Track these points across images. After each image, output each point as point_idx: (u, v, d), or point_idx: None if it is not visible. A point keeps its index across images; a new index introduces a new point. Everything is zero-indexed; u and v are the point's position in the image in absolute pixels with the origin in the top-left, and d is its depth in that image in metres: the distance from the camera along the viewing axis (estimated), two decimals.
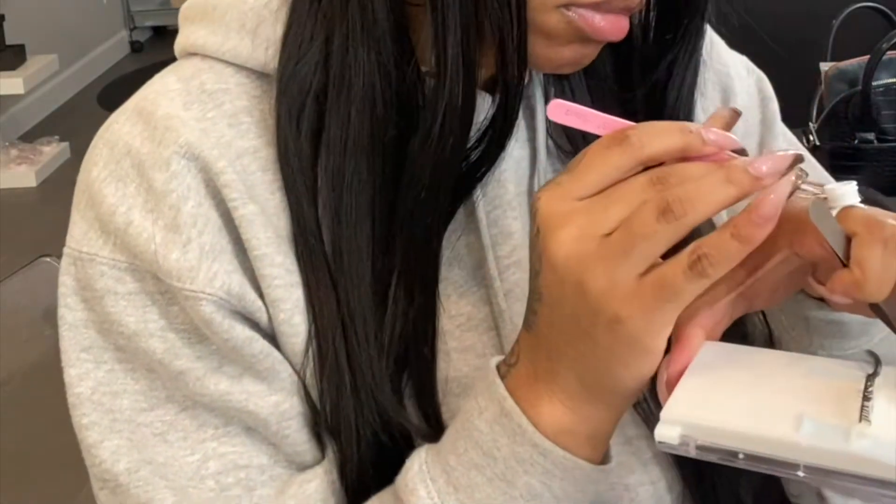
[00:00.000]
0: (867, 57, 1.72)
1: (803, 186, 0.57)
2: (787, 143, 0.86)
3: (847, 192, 0.57)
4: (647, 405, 0.76)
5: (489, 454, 0.62)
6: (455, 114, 0.65)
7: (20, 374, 1.31)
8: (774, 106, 0.86)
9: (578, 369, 0.60)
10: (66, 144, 4.39)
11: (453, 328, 0.73)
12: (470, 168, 0.69)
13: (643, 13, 0.73)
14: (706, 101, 0.83)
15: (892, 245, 0.55)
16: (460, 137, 0.66)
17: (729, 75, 0.85)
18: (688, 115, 0.75)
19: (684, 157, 0.57)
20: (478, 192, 0.73)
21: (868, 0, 1.89)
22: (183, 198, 0.67)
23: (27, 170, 4.21)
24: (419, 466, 0.65)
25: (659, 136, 0.56)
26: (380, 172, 0.68)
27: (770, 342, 0.79)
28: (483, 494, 0.63)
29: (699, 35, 0.73)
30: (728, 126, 0.59)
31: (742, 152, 0.57)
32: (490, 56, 0.66)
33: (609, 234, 0.56)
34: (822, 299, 0.65)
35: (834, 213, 0.57)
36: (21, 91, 4.24)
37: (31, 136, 4.60)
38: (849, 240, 0.56)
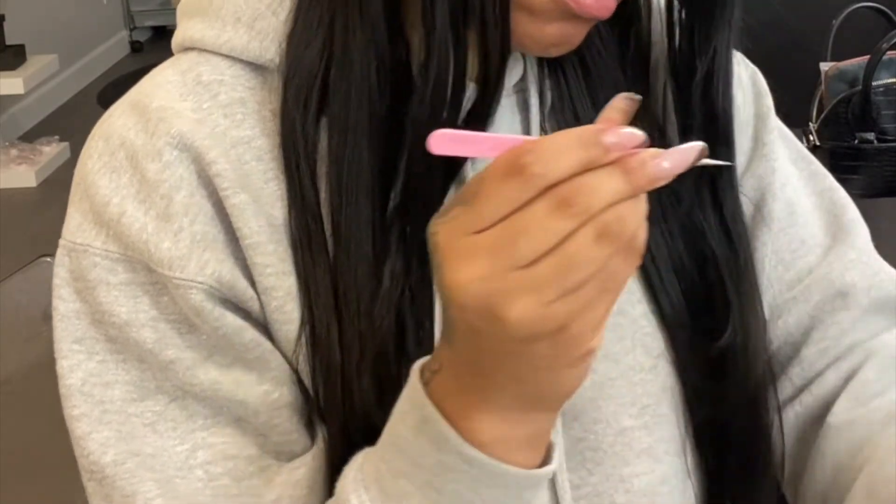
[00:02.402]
0: (867, 57, 1.72)
1: (704, 161, 0.55)
2: (782, 138, 0.87)
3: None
4: (649, 398, 0.77)
5: (415, 462, 0.61)
6: (444, 91, 0.66)
7: (20, 374, 1.31)
8: (769, 100, 0.86)
9: (513, 385, 0.58)
10: (66, 144, 4.39)
11: None
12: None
13: (671, 14, 0.74)
14: None
15: None
16: (451, 115, 0.66)
17: None
18: (730, 102, 0.76)
19: None
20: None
21: (868, 0, 1.89)
22: (175, 187, 0.68)
23: (27, 170, 4.21)
24: (354, 474, 0.64)
25: (560, 159, 0.52)
26: (377, 151, 0.69)
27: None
28: (414, 503, 0.61)
29: (732, 23, 0.73)
30: (628, 116, 0.55)
31: (645, 144, 0.54)
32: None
33: (528, 265, 0.52)
34: None
35: None
36: (21, 91, 4.23)
37: (31, 136, 4.60)
38: None
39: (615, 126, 0.53)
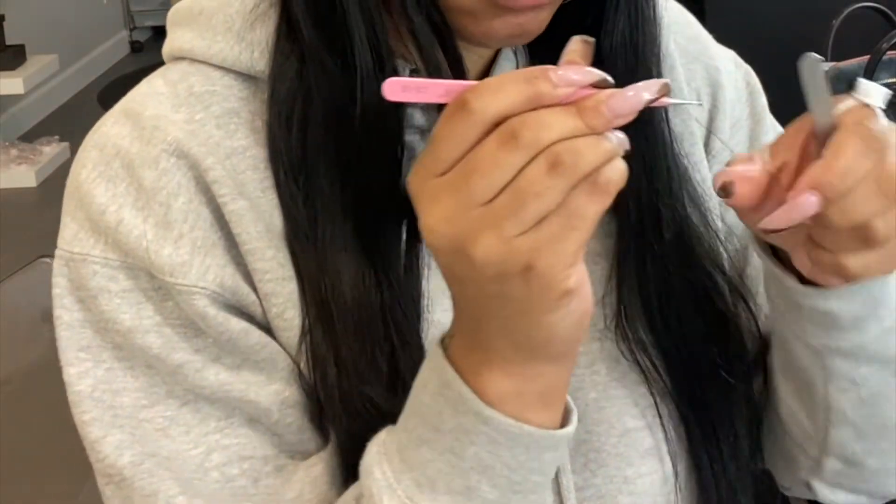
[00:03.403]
0: (867, 57, 1.72)
1: (669, 99, 0.55)
2: (777, 135, 0.87)
3: (873, 91, 0.56)
4: (650, 397, 0.77)
5: (436, 428, 0.61)
6: (375, 104, 0.66)
7: (20, 374, 1.31)
8: (763, 100, 0.86)
9: (505, 332, 0.58)
10: (66, 144, 4.39)
11: (449, 320, 0.72)
12: None
13: None
14: (694, 95, 0.83)
15: (869, 143, 0.56)
16: (394, 128, 0.68)
17: (717, 69, 0.85)
18: (630, 67, 0.73)
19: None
20: None
21: (868, 0, 1.89)
22: (173, 194, 0.68)
23: (27, 170, 4.21)
24: (377, 448, 0.64)
25: (500, 92, 0.53)
26: (345, 168, 0.69)
27: (758, 331, 0.79)
28: (434, 470, 0.61)
29: None
30: (585, 57, 0.55)
31: (605, 83, 0.54)
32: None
33: (487, 203, 0.53)
34: (808, 283, 0.66)
35: (849, 103, 0.56)
36: (21, 91, 4.24)
37: (31, 136, 4.60)
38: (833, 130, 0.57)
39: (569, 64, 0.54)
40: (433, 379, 0.61)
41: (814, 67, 0.56)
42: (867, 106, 0.58)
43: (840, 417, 0.74)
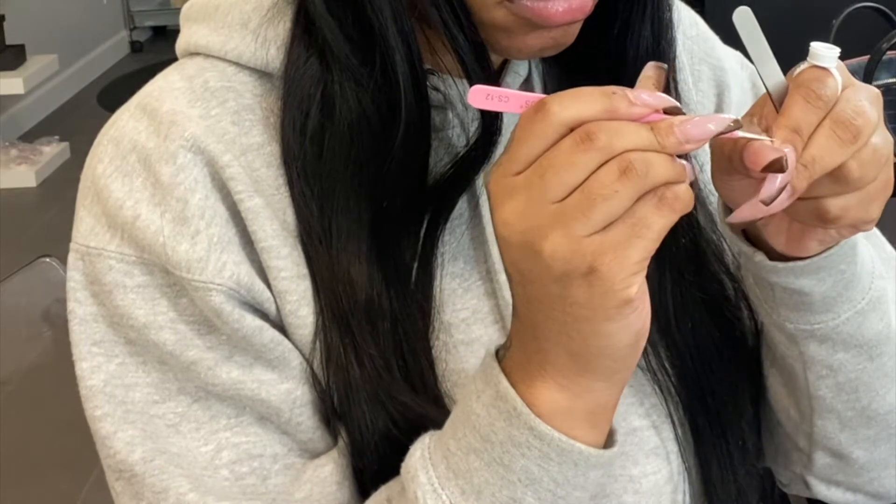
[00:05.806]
0: (867, 57, 1.71)
1: (741, 133, 0.58)
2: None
3: (824, 54, 0.58)
4: (656, 397, 0.77)
5: (486, 438, 0.62)
6: (413, 122, 0.67)
7: (20, 374, 1.31)
8: None
9: (563, 340, 0.59)
10: (66, 144, 4.38)
11: (458, 321, 0.73)
12: (466, 165, 0.71)
13: None
14: (701, 96, 0.83)
15: (813, 100, 0.58)
16: (426, 137, 0.68)
17: (723, 69, 0.85)
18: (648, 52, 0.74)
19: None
20: (481, 188, 0.73)
21: (868, 0, 1.88)
22: (190, 190, 0.68)
23: (27, 170, 4.20)
24: (421, 452, 0.65)
25: (578, 99, 0.56)
26: (369, 179, 0.69)
27: (757, 334, 0.80)
28: (481, 479, 0.62)
29: None
30: (658, 84, 0.59)
31: (676, 110, 0.57)
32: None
33: (561, 200, 0.56)
34: (781, 258, 0.67)
35: (802, 66, 0.59)
36: (21, 91, 4.23)
37: (31, 136, 4.60)
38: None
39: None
40: (487, 391, 0.62)
41: (747, 20, 0.57)
42: (819, 67, 0.60)
43: (822, 405, 0.75)
